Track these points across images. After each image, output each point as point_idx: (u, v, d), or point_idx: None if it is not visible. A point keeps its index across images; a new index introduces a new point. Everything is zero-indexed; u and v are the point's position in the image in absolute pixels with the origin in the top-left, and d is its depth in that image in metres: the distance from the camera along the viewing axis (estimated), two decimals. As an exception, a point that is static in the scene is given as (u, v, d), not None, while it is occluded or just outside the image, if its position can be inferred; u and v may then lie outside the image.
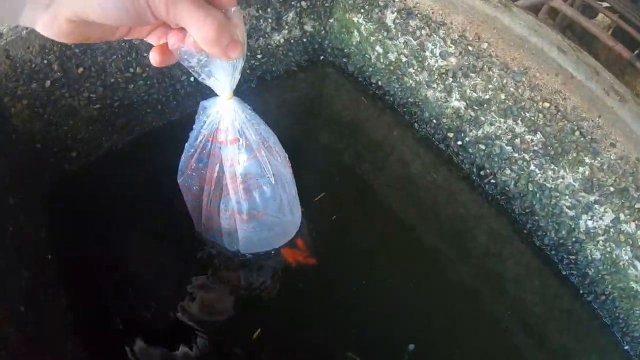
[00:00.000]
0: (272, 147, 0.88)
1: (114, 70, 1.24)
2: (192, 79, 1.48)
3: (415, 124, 1.55)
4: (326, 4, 1.63)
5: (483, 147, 1.37)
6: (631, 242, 1.13)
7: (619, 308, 1.23)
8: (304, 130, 1.64)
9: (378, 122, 1.63)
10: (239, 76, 0.75)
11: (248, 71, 1.67)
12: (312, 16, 1.65)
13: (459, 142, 1.43)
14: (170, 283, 1.18)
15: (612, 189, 1.12)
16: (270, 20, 1.59)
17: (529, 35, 1.15)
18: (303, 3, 1.61)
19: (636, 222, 1.10)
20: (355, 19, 1.58)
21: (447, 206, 1.46)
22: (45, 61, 1.14)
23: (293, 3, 1.59)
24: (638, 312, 1.20)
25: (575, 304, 1.31)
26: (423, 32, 1.39)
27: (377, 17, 1.52)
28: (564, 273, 1.30)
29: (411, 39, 1.44)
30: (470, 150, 1.41)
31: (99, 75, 1.21)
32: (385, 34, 1.52)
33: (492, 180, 1.38)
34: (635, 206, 1.09)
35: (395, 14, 1.46)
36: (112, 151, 1.33)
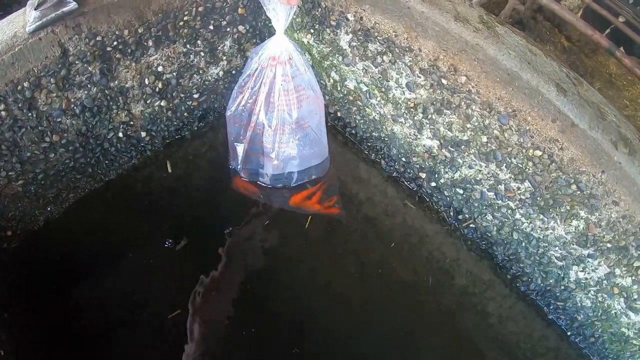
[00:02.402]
0: (311, 70, 1.22)
1: (28, 143, 1.11)
2: (120, 134, 1.26)
3: (382, 161, 1.34)
4: (270, 24, 1.32)
5: (461, 191, 1.19)
6: (625, 295, 1.03)
7: (609, 350, 1.17)
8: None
9: (340, 158, 1.40)
10: (291, 19, 1.10)
11: (186, 114, 1.36)
12: (254, 40, 1.34)
13: (433, 184, 1.25)
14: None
15: (609, 245, 0.99)
16: (202, 54, 1.28)
17: (520, 70, 0.94)
18: (240, 27, 1.30)
19: (633, 277, 1.00)
20: (305, 40, 1.30)
21: (420, 247, 1.29)
22: None
23: (228, 30, 1.28)
24: (629, 354, 1.14)
25: (562, 343, 1.23)
26: (385, 58, 1.15)
27: (330, 38, 1.24)
28: (550, 317, 1.21)
29: (371, 65, 1.19)
30: (445, 192, 1.23)
31: (11, 152, 1.09)
32: (340, 58, 1.26)
33: (471, 225, 1.23)
34: (634, 264, 0.97)
35: (351, 35, 1.19)
36: (50, 222, 1.28)
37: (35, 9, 1.00)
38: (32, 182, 1.18)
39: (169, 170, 1.37)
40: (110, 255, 1.24)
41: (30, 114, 1.09)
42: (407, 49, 1.09)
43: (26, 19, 1.02)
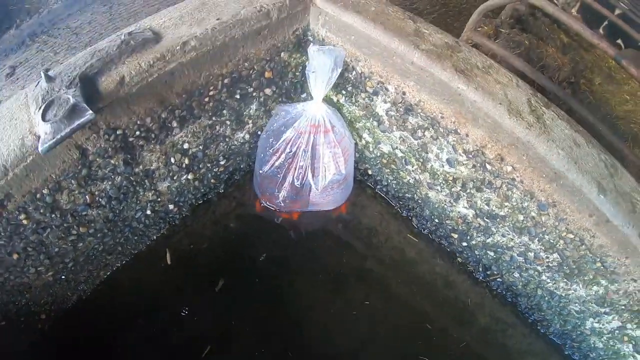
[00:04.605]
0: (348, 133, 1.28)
1: (55, 240, 1.06)
2: (148, 211, 1.22)
3: (414, 219, 1.38)
4: (295, 80, 1.24)
5: (492, 253, 1.27)
6: (634, 342, 1.20)
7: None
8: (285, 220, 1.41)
9: (370, 211, 1.42)
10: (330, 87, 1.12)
11: (213, 180, 1.30)
12: (280, 99, 1.26)
13: (464, 244, 1.32)
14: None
15: (623, 307, 1.13)
16: (228, 122, 1.19)
17: (567, 171, 0.98)
18: (267, 90, 1.21)
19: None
20: (335, 98, 1.24)
21: (447, 291, 1.40)
22: None
23: (254, 94, 1.19)
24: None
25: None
26: (427, 133, 1.14)
27: (365, 103, 1.20)
28: (566, 352, 1.37)
29: (410, 136, 1.18)
30: (476, 252, 1.31)
31: (38, 251, 1.04)
32: (375, 123, 1.23)
33: (498, 279, 1.33)
34: (646, 324, 1.13)
35: (389, 105, 1.16)
36: (82, 299, 1.27)
37: (44, 120, 0.86)
38: (62, 271, 1.15)
39: (169, 262, 1.32)
40: (142, 325, 1.24)
41: (53, 215, 1.02)
42: (452, 131, 1.09)
43: (34, 126, 0.89)
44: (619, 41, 2.91)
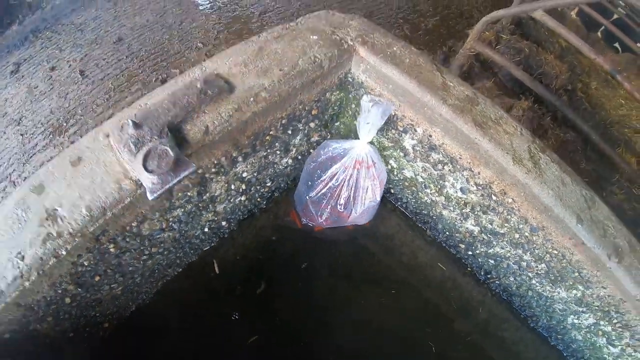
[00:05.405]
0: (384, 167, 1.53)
1: (130, 261, 1.25)
2: (206, 229, 1.45)
3: (428, 230, 1.65)
4: (332, 112, 1.47)
5: (492, 261, 1.55)
6: (607, 336, 1.48)
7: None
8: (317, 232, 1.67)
9: (389, 222, 1.68)
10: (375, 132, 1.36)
11: (259, 199, 1.54)
12: (319, 129, 1.49)
13: (470, 252, 1.59)
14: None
15: (597, 308, 1.43)
16: (278, 152, 1.42)
17: (554, 206, 1.24)
18: (311, 124, 1.44)
19: (612, 326, 1.45)
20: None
21: (453, 290, 1.69)
22: (58, 290, 1.10)
23: (301, 128, 1.41)
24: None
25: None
26: (446, 167, 1.39)
27: (394, 137, 1.44)
28: (552, 343, 1.67)
29: (431, 168, 1.43)
30: (479, 259, 1.59)
31: (115, 271, 1.23)
32: (401, 154, 1.47)
33: (496, 282, 1.62)
34: (613, 321, 1.42)
35: (416, 142, 1.40)
36: (140, 307, 1.45)
37: (148, 171, 1.01)
38: (130, 285, 1.35)
39: (217, 271, 1.55)
40: (195, 329, 1.45)
41: (134, 241, 1.21)
42: (467, 168, 1.34)
43: (130, 172, 1.05)
44: (617, 44, 3.08)
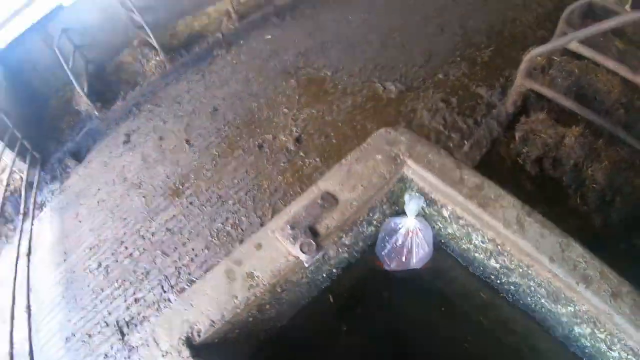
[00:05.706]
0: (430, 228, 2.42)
1: (286, 297, 2.32)
2: (324, 274, 2.52)
3: (469, 267, 2.52)
4: (396, 196, 2.50)
5: (513, 287, 2.36)
6: (604, 342, 2.13)
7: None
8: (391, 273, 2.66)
9: (444, 263, 2.60)
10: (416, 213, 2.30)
11: (354, 253, 2.63)
12: (389, 206, 2.54)
13: (497, 281, 2.42)
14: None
15: (587, 319, 2.11)
16: (365, 224, 2.51)
17: (532, 252, 2.05)
18: (384, 206, 2.50)
19: (603, 334, 2.10)
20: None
21: (486, 305, 2.49)
22: (249, 314, 2.23)
23: (378, 210, 2.48)
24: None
25: None
26: (468, 228, 2.30)
27: (436, 209, 2.41)
28: (571, 350, 2.34)
29: (460, 227, 2.35)
30: (505, 286, 2.40)
31: (277, 303, 2.31)
32: (442, 219, 2.43)
33: (521, 302, 2.39)
34: (602, 329, 2.08)
35: (449, 213, 2.35)
36: (285, 324, 2.50)
37: (303, 252, 2.12)
38: (280, 309, 2.37)
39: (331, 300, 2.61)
40: (313, 338, 2.51)
41: (291, 286, 2.39)
42: (479, 230, 2.23)
43: (291, 252, 2.15)
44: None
